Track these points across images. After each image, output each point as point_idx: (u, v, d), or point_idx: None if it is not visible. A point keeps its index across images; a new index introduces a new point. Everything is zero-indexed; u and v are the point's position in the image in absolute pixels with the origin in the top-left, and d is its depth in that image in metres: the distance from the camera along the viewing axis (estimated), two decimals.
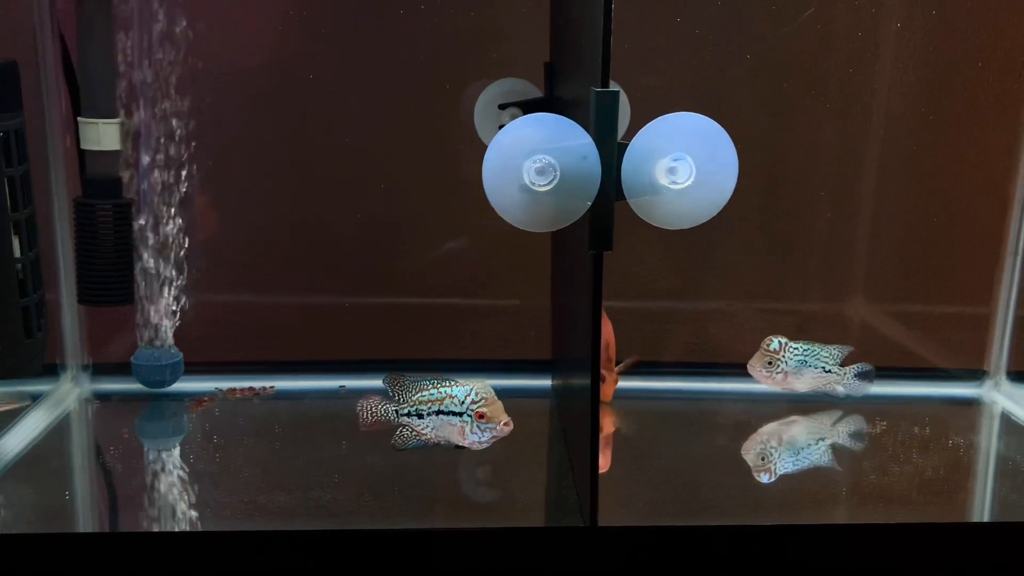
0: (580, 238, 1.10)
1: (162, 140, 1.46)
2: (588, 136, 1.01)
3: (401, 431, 1.25)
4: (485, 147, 1.53)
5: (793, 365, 1.45)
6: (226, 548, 1.12)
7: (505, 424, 1.22)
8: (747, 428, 1.48)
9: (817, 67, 1.62)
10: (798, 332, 1.52)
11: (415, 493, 1.26)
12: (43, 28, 1.43)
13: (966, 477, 1.37)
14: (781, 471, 1.32)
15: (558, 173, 1.01)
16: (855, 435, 1.46)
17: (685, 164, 1.01)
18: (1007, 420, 1.58)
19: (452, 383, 1.22)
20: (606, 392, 1.54)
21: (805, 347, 1.47)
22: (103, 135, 1.38)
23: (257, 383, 1.60)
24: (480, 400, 1.22)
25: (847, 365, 1.50)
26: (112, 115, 1.39)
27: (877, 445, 1.44)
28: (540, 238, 1.59)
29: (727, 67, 1.62)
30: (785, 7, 1.58)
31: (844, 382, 1.49)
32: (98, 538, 1.17)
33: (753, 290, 1.73)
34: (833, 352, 1.48)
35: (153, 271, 1.49)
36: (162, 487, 1.27)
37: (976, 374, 1.69)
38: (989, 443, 1.51)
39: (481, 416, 1.21)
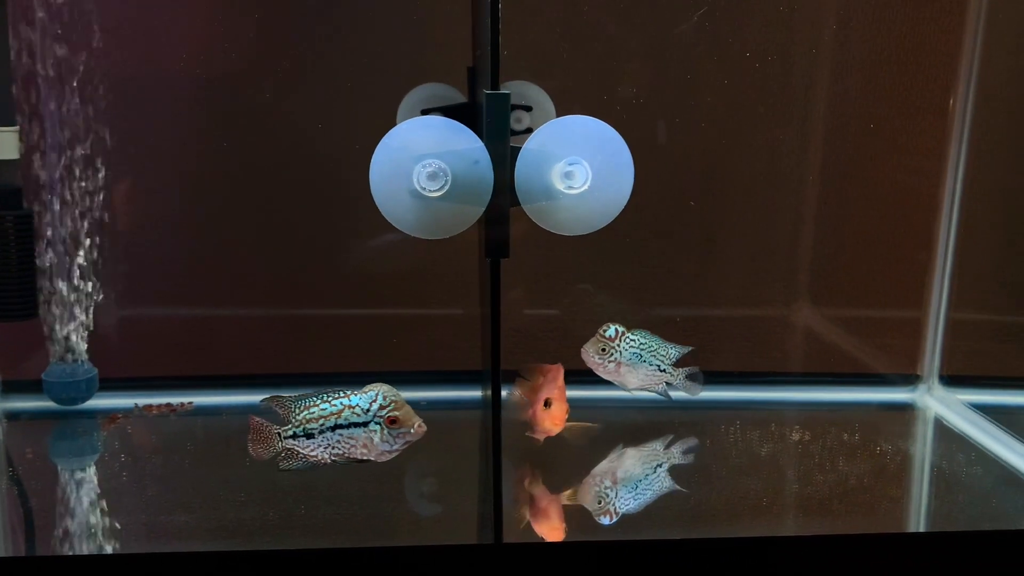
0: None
1: (69, 150, 1.41)
2: (479, 140, 0.98)
3: (287, 455, 1.17)
4: None
5: (627, 357, 1.35)
6: (118, 571, 1.08)
7: (419, 427, 1.15)
8: (669, 436, 1.45)
9: (754, 71, 1.61)
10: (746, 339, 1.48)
11: (324, 511, 1.22)
12: None
13: (894, 485, 1.35)
14: (623, 509, 1.23)
15: (449, 178, 0.98)
16: (690, 452, 1.40)
17: (581, 168, 0.98)
18: (939, 425, 1.57)
19: (346, 393, 1.15)
20: (554, 419, 1.32)
21: (643, 340, 1.36)
22: (0, 144, 1.33)
23: (175, 399, 1.55)
24: (389, 404, 1.14)
25: (681, 366, 1.40)
26: (9, 123, 1.34)
27: (805, 452, 1.42)
28: (474, 245, 1.56)
29: (672, 71, 1.60)
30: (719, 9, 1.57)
31: (676, 383, 1.40)
32: (6, 563, 1.12)
33: (688, 296, 1.71)
34: (671, 351, 1.39)
35: (65, 283, 1.45)
36: (66, 508, 1.22)
37: (910, 379, 1.67)
38: (923, 449, 1.49)
39: (393, 422, 1.14)
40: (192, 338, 1.60)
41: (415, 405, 1.62)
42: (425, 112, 1.54)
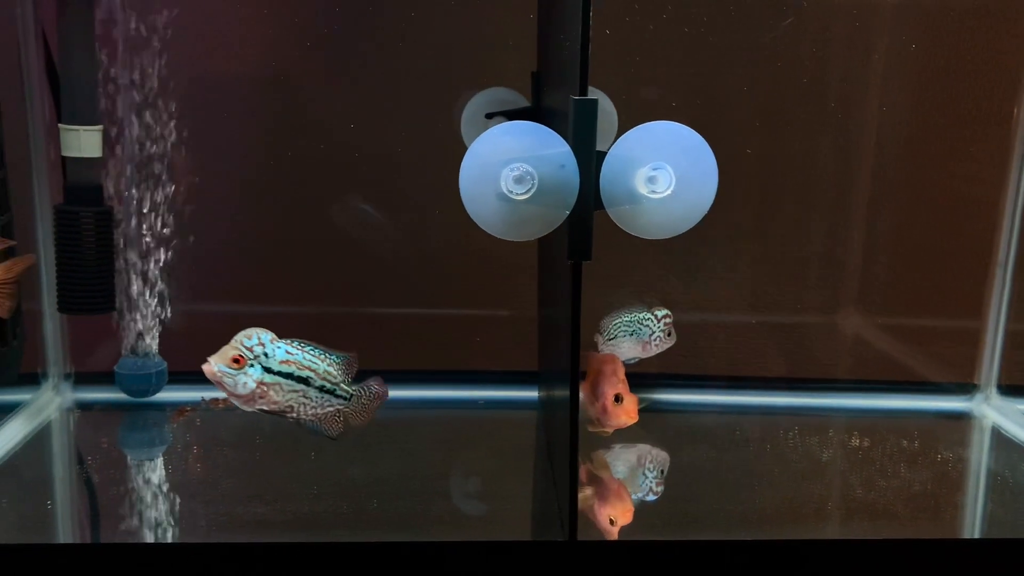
0: (562, 247, 1.09)
1: (147, 147, 1.45)
2: (566, 144, 1.00)
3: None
4: None
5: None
6: (203, 560, 1.11)
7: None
8: (731, 441, 1.46)
9: (808, 79, 1.62)
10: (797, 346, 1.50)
11: (394, 505, 1.25)
12: (27, 34, 1.43)
13: (955, 492, 1.36)
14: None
15: (536, 181, 1.00)
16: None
17: (665, 173, 1.00)
18: (997, 434, 1.57)
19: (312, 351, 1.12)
20: (628, 412, 1.31)
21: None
22: (84, 142, 1.37)
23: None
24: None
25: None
26: (94, 122, 1.38)
27: (865, 458, 1.43)
28: (527, 249, 1.58)
29: (719, 79, 1.61)
30: (775, 18, 1.58)
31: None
32: (77, 549, 1.15)
33: (744, 303, 1.72)
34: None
35: (139, 279, 1.48)
36: (141, 498, 1.26)
37: (967, 388, 1.67)
38: (980, 457, 1.49)
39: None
40: None
41: (472, 405, 1.66)
42: (489, 116, 1.56)
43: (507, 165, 1.00)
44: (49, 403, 1.53)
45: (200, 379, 1.57)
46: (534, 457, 1.47)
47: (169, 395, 1.55)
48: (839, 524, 1.25)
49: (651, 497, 1.30)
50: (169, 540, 1.16)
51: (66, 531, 1.21)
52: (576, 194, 1.00)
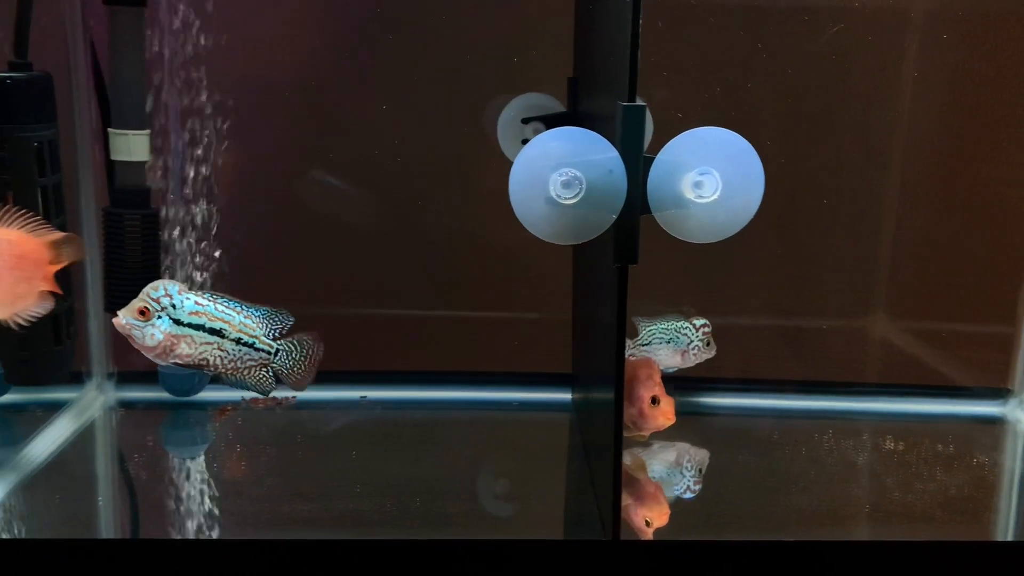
0: (605, 252, 1.11)
1: (192, 150, 1.48)
2: (614, 150, 1.01)
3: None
4: (506, 160, 1.57)
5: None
6: (250, 556, 1.13)
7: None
8: (765, 444, 1.47)
9: (838, 80, 1.63)
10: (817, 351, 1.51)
11: (439, 505, 1.27)
12: (75, 40, 1.46)
13: (992, 495, 1.36)
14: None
15: (584, 186, 1.02)
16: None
17: (711, 178, 1.02)
18: None
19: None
20: (666, 414, 1.34)
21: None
22: (133, 146, 1.40)
23: (279, 393, 1.60)
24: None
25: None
26: (142, 126, 1.41)
27: (901, 462, 1.44)
28: (558, 251, 1.59)
29: (747, 80, 1.62)
30: (806, 24, 1.59)
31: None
32: (123, 544, 1.18)
33: (773, 306, 1.73)
34: None
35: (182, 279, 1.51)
36: (189, 495, 1.28)
37: (1000, 393, 1.67)
38: (1014, 462, 1.50)
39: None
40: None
41: (507, 406, 1.68)
42: (525, 121, 1.58)
43: (556, 170, 1.02)
44: (93, 402, 1.56)
45: None
46: (567, 458, 1.49)
47: (210, 395, 1.57)
48: (878, 526, 1.26)
49: (688, 495, 1.31)
50: (218, 537, 1.18)
51: (117, 527, 1.23)
52: (624, 198, 1.02)
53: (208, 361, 1.12)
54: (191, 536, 1.17)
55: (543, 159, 1.02)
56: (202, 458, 1.42)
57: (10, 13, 1.29)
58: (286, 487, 1.30)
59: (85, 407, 1.54)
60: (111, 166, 1.45)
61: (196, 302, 1.11)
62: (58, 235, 1.18)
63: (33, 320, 1.16)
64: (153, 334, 1.10)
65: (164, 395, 1.56)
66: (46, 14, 1.46)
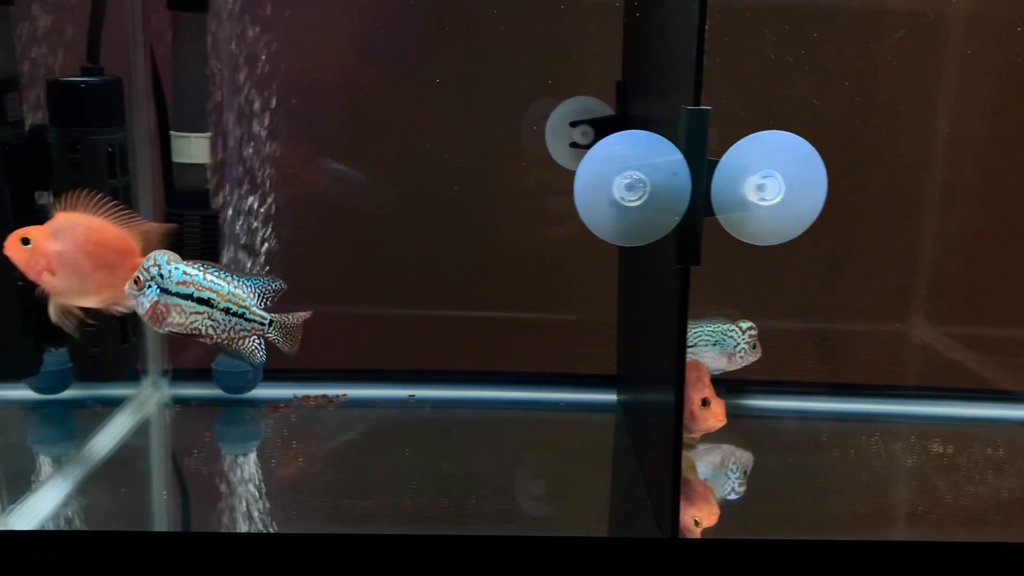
0: (660, 253, 1.12)
1: (251, 152, 1.51)
2: (679, 153, 1.03)
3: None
4: (555, 163, 1.59)
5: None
6: (311, 550, 1.15)
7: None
8: (808, 445, 1.48)
9: (882, 83, 1.63)
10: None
11: (494, 502, 1.28)
12: (136, 44, 1.49)
13: None
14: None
15: (648, 189, 1.03)
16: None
17: (774, 181, 1.03)
18: None
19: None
20: (717, 416, 1.36)
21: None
22: (194, 148, 1.43)
23: (331, 391, 1.63)
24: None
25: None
26: (203, 129, 1.44)
27: (951, 465, 1.44)
28: (597, 255, 1.60)
29: (787, 82, 1.63)
30: (851, 30, 1.60)
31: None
32: (200, 537, 1.20)
33: (812, 309, 1.73)
34: None
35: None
36: (248, 490, 1.30)
37: None
38: None
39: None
40: (347, 335, 1.68)
41: (551, 407, 1.69)
42: (574, 125, 1.59)
43: (620, 172, 1.03)
44: (149, 398, 1.59)
45: (295, 377, 1.65)
46: (614, 459, 1.50)
47: (263, 392, 1.60)
48: (931, 528, 1.27)
49: (733, 496, 1.32)
50: (281, 531, 1.20)
51: (184, 520, 1.26)
52: (687, 201, 1.03)
53: (200, 331, 1.16)
54: (261, 531, 1.20)
55: (608, 162, 1.03)
56: (258, 455, 1.44)
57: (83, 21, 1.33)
58: (344, 483, 1.32)
59: (141, 403, 1.57)
60: (168, 167, 1.48)
61: (184, 272, 1.14)
62: (148, 225, 1.21)
63: (131, 311, 1.18)
64: (142, 303, 1.14)
65: (218, 392, 1.59)
66: (107, 17, 1.50)
